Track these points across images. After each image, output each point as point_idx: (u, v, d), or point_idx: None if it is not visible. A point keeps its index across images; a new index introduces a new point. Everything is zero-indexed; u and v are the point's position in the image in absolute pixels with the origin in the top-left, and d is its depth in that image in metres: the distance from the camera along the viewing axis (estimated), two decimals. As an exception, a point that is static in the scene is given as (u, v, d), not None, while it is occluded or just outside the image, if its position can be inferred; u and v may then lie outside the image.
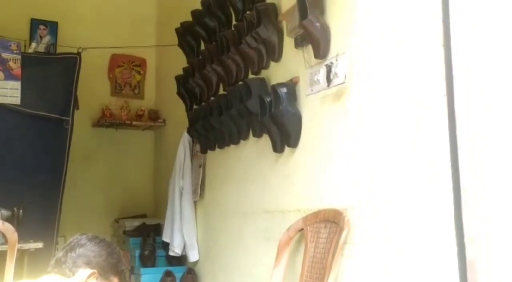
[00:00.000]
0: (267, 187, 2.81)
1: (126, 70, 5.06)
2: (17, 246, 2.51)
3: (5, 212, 2.80)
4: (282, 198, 2.66)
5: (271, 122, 2.62)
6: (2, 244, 2.72)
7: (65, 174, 3.75)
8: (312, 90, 2.43)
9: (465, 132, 1.65)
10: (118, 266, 1.78)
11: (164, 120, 4.91)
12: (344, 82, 2.18)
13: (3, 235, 2.66)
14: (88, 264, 1.70)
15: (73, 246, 1.72)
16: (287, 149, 2.61)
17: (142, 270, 3.81)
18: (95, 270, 1.70)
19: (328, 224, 2.21)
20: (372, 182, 2.02)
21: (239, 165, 3.18)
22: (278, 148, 2.66)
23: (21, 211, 2.88)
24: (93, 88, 4.67)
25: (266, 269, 2.59)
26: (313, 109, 2.45)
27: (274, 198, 2.74)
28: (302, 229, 2.38)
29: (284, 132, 2.58)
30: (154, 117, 4.94)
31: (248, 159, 3.07)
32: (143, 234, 4.10)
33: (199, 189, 3.70)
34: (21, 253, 2.69)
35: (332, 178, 2.27)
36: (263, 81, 2.85)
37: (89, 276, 1.69)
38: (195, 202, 3.81)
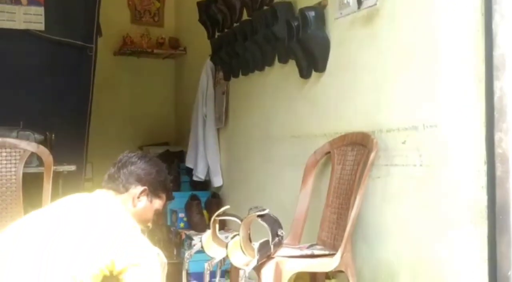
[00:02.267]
0: (293, 112, 2.84)
1: (145, -3, 5.00)
2: (53, 168, 2.60)
3: (38, 136, 2.88)
4: (309, 123, 2.70)
5: (298, 47, 2.61)
6: (38, 166, 2.82)
7: (91, 101, 3.80)
8: (341, 13, 2.39)
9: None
10: (165, 183, 1.88)
11: (185, 48, 4.90)
12: (375, 4, 2.14)
13: (38, 158, 2.76)
14: (139, 181, 1.78)
15: (124, 163, 1.80)
16: (314, 74, 2.62)
17: (168, 194, 3.92)
18: (146, 187, 1.79)
19: (355, 147, 2.25)
20: (400, 105, 2.04)
21: (264, 91, 3.19)
22: (305, 73, 2.66)
23: (53, 135, 2.97)
24: (113, 16, 4.64)
25: (292, 192, 2.66)
26: (341, 33, 2.43)
27: (301, 123, 2.77)
28: (328, 152, 2.43)
29: (311, 57, 2.58)
30: (174, 46, 4.92)
31: (274, 84, 3.07)
32: (167, 160, 4.17)
33: (223, 116, 3.74)
34: (56, 175, 2.79)
35: (359, 102, 2.29)
36: (290, 6, 2.81)
37: (141, 193, 1.78)
38: (218, 129, 3.87)
